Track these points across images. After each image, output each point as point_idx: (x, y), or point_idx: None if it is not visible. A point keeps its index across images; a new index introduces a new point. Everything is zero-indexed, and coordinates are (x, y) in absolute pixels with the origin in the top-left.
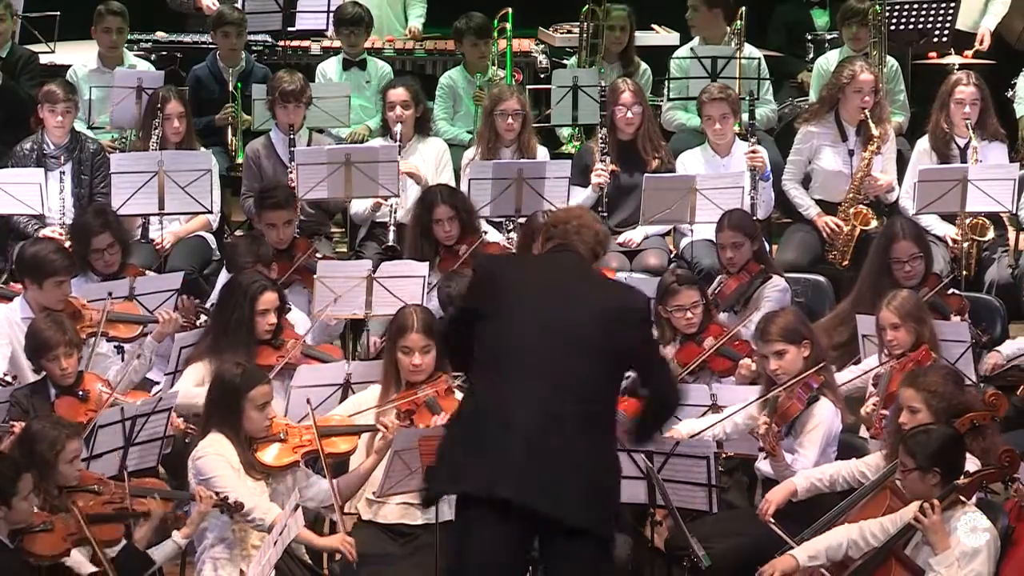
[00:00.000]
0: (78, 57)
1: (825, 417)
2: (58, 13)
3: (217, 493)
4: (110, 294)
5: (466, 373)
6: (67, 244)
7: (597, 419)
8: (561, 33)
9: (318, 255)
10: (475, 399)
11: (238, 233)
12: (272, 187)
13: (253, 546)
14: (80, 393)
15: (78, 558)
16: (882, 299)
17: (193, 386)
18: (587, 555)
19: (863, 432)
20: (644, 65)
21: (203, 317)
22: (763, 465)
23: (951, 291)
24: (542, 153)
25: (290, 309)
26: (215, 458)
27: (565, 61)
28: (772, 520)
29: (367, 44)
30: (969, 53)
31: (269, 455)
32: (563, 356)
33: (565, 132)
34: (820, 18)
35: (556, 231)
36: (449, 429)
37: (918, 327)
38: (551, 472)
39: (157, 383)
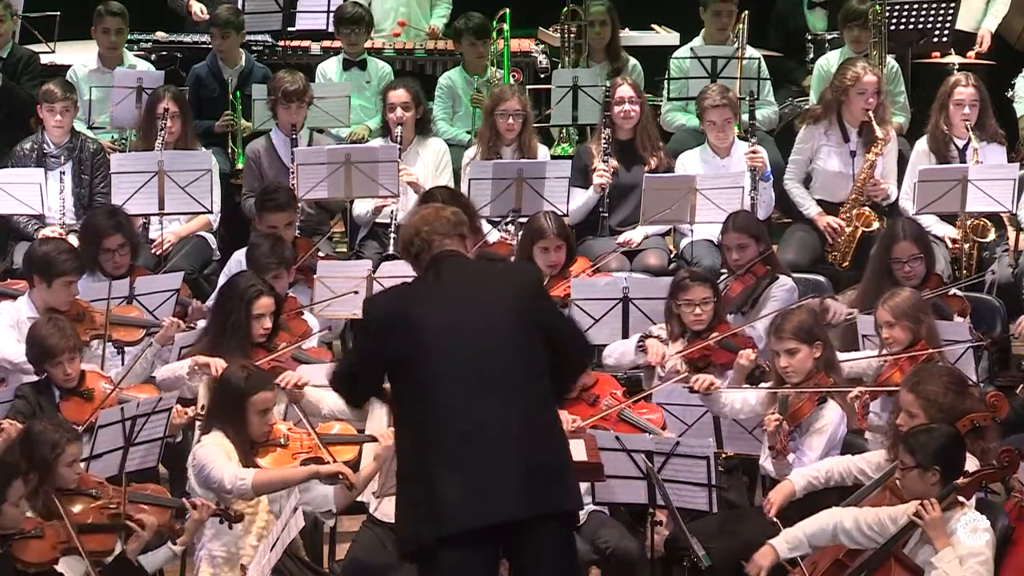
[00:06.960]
0: (78, 57)
1: (832, 420)
2: (58, 13)
3: (216, 503)
4: (109, 300)
5: (359, 405)
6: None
7: (546, 395)
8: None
9: (320, 254)
10: (427, 438)
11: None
12: (273, 189)
13: (252, 546)
14: (84, 392)
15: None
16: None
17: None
18: (561, 534)
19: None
20: (633, 61)
21: None
22: (766, 464)
23: (952, 292)
24: (543, 153)
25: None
26: (213, 447)
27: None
28: (777, 520)
29: (367, 44)
30: (972, 54)
31: (269, 460)
32: (500, 354)
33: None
34: (819, 21)
35: (418, 245)
36: (410, 476)
37: (914, 326)
38: (536, 472)
39: None
